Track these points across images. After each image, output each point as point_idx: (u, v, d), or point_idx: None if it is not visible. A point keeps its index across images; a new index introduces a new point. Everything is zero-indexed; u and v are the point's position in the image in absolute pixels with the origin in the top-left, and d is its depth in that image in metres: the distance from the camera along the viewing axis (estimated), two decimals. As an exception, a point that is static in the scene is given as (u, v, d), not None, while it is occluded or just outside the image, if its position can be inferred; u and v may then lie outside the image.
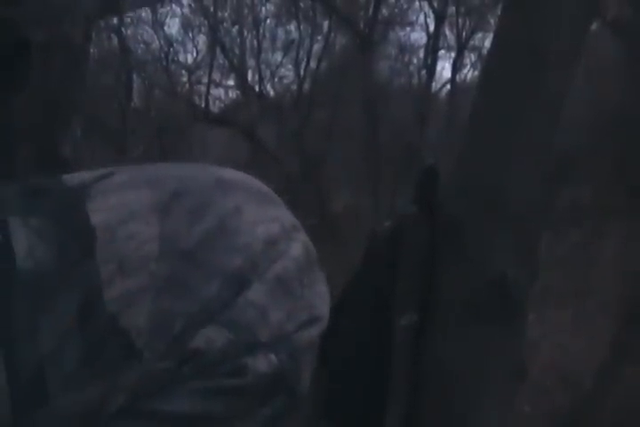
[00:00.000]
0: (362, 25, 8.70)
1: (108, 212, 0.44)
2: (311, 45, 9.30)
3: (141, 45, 9.27)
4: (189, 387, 0.43)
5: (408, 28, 9.35)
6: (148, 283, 0.43)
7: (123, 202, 0.45)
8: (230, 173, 0.51)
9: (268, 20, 9.48)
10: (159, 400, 0.43)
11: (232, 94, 9.98)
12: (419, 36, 9.66)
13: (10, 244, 0.41)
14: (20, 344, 0.40)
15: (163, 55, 9.35)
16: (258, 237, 0.46)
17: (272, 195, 0.52)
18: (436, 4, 8.84)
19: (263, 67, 9.44)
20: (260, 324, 0.45)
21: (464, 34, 8.97)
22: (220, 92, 9.80)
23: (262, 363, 0.45)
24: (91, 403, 0.41)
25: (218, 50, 9.20)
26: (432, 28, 8.89)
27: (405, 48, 9.45)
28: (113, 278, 0.42)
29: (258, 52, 9.38)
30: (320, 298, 0.50)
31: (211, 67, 9.34)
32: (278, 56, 9.58)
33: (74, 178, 0.47)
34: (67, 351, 0.41)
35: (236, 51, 9.36)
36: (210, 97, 9.38)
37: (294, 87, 9.53)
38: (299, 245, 0.50)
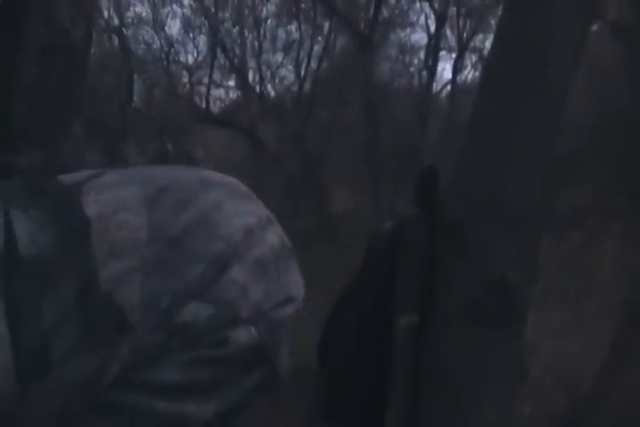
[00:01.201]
0: (362, 26, 8.70)
1: (101, 204, 0.49)
2: (312, 46, 9.31)
3: (142, 46, 9.28)
4: (176, 358, 0.48)
5: (409, 29, 9.36)
6: (139, 265, 0.47)
7: (114, 196, 0.50)
8: (212, 174, 0.57)
9: (269, 21, 9.49)
10: (148, 371, 0.47)
11: (233, 95, 10.00)
12: (419, 37, 9.67)
13: (13, 232, 0.45)
14: (24, 321, 0.44)
15: (163, 55, 9.36)
16: (237, 227, 0.51)
17: (249, 193, 0.56)
18: (436, 5, 8.84)
19: (264, 67, 9.45)
20: (241, 300, 0.50)
21: (465, 35, 8.97)
22: (220, 92, 9.81)
23: (243, 335, 0.50)
24: (88, 373, 0.46)
25: (218, 50, 9.21)
26: (433, 29, 8.90)
27: (406, 49, 9.45)
28: (106, 261, 0.47)
29: (258, 53, 9.38)
30: (294, 283, 0.55)
31: (211, 67, 9.34)
32: (279, 57, 9.59)
33: (68, 177, 0.52)
34: (67, 327, 0.46)
35: (237, 51, 9.37)
36: (210, 97, 9.39)
37: (295, 88, 9.54)
38: (274, 235, 0.54)
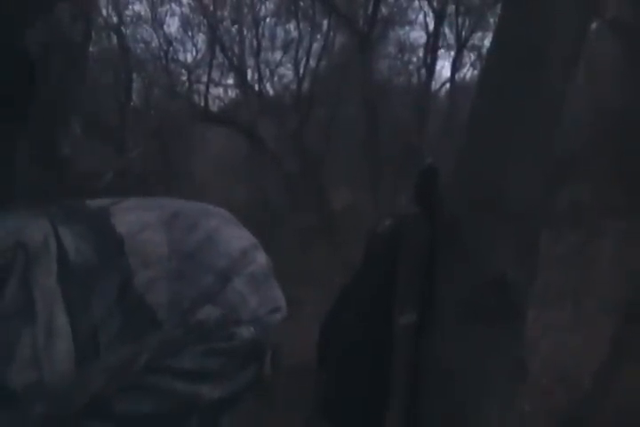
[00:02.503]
0: (361, 24, 8.69)
1: (128, 224, 0.62)
2: (311, 44, 9.30)
3: (141, 44, 9.26)
4: (193, 349, 0.60)
5: (407, 27, 9.35)
6: (163, 274, 0.60)
7: (137, 218, 0.63)
8: (207, 205, 0.71)
9: (268, 19, 9.48)
10: (171, 359, 0.59)
11: (231, 93, 9.98)
12: (418, 35, 9.65)
13: (62, 244, 0.58)
14: (78, 315, 0.56)
15: (162, 54, 9.34)
16: (235, 248, 0.65)
17: (237, 222, 0.70)
18: (435, 3, 8.83)
19: (262, 66, 9.44)
20: (242, 305, 0.63)
21: (463, 33, 8.96)
22: (219, 91, 9.80)
23: (245, 332, 0.62)
24: (126, 359, 0.57)
25: (217, 49, 9.20)
26: (431, 27, 8.89)
27: (405, 47, 9.44)
28: (138, 270, 0.59)
29: (257, 51, 9.37)
30: (279, 296, 0.68)
31: (210, 66, 9.33)
32: (278, 55, 9.58)
33: (93, 202, 0.64)
34: (111, 321, 0.57)
35: (236, 50, 9.35)
36: (209, 96, 9.37)
37: (294, 86, 9.53)
38: (262, 256, 0.68)
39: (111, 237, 0.60)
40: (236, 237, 0.67)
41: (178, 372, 0.59)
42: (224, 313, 0.61)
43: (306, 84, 9.38)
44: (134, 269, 0.59)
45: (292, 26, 9.34)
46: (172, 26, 12.73)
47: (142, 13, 9.29)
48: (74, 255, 0.57)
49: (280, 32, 9.43)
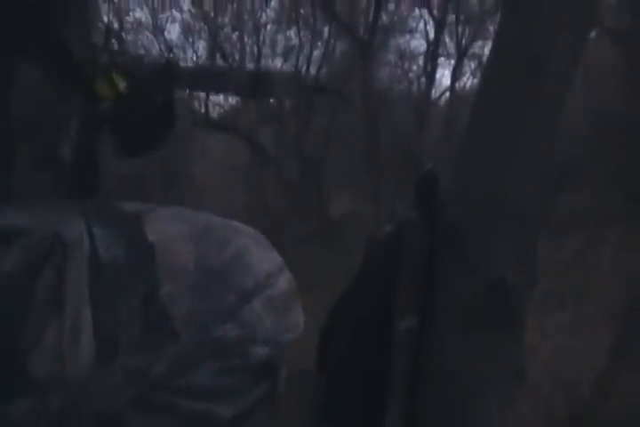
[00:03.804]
0: (362, 31, 8.72)
1: (160, 234, 0.63)
2: (311, 51, 9.32)
3: (141, 50, 9.28)
4: (209, 367, 0.60)
5: (408, 35, 9.38)
6: (188, 288, 0.60)
7: (169, 229, 0.64)
8: (237, 223, 0.72)
9: (269, 26, 9.51)
10: (187, 377, 0.59)
11: (232, 100, 10.00)
12: (418, 44, 9.68)
13: (95, 244, 0.58)
14: (103, 313, 0.56)
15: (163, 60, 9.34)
16: (262, 270, 0.66)
17: (268, 242, 0.71)
18: (435, 12, 8.86)
19: (263, 73, 9.44)
20: (258, 325, 0.63)
21: (464, 41, 8.99)
22: (219, 97, 9.82)
23: (260, 351, 0.63)
24: (142, 365, 0.57)
25: (218, 55, 9.22)
26: (432, 35, 8.92)
27: (405, 55, 9.47)
28: (164, 280, 0.60)
29: (258, 58, 9.39)
30: (296, 318, 0.69)
31: (211, 72, 9.33)
32: (278, 62, 9.60)
33: (127, 206, 0.66)
34: (133, 325, 0.58)
35: (236, 56, 9.38)
36: (209, 102, 9.39)
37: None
38: (285, 281, 0.69)
39: (142, 245, 0.61)
40: (264, 259, 0.67)
41: (193, 390, 0.59)
42: (241, 332, 0.62)
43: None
44: (161, 278, 0.60)
45: (292, 33, 9.38)
46: (173, 32, 12.78)
47: (143, 20, 9.33)
48: (105, 257, 0.58)
49: (281, 39, 9.47)
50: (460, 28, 8.90)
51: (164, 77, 0.78)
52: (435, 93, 9.34)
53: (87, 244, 0.58)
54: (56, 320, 0.54)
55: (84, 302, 0.55)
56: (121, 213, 0.63)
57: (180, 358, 0.58)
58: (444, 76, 12.52)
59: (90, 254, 0.58)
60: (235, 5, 9.20)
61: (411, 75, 9.56)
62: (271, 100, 9.50)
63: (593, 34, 4.63)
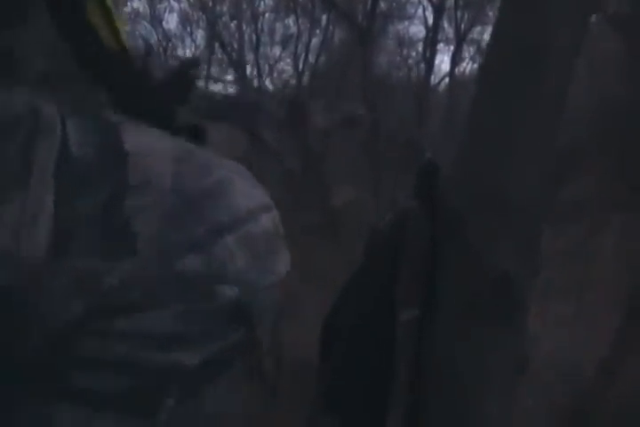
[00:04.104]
0: (360, 18, 8.67)
1: (138, 144, 0.57)
2: (310, 39, 9.29)
3: (139, 41, 9.25)
4: (170, 310, 0.54)
5: (407, 22, 9.34)
6: (158, 207, 0.55)
7: (149, 142, 0.58)
8: (229, 160, 0.66)
9: (267, 15, 9.46)
10: (146, 322, 0.53)
11: (231, 89, 9.98)
12: (417, 30, 9.62)
13: (67, 133, 0.54)
14: (63, 205, 0.53)
15: (161, 50, 9.33)
16: (242, 205, 0.59)
17: (251, 176, 0.65)
18: (434, -2, 8.82)
19: (262, 61, 9.43)
20: (229, 263, 0.56)
21: (463, 27, 8.94)
22: (218, 86, 9.79)
23: (228, 291, 0.56)
24: (94, 273, 0.52)
25: (216, 45, 9.19)
26: (431, 21, 8.88)
27: (404, 41, 9.43)
28: (133, 192, 0.54)
29: (256, 47, 9.35)
30: (278, 262, 0.62)
31: (209, 62, 9.32)
32: (277, 50, 9.57)
33: (107, 113, 0.60)
34: (91, 227, 0.53)
35: (235, 45, 9.34)
36: (208, 92, 9.36)
37: (293, 81, 9.51)
38: (269, 219, 0.62)
39: (116, 150, 0.55)
40: (247, 193, 0.61)
41: (153, 338, 0.53)
42: (207, 268, 0.55)
43: (305, 80, 9.38)
44: (130, 187, 0.54)
45: (291, 21, 9.34)
46: (171, 22, 12.71)
47: (141, 10, 9.29)
48: (75, 148, 0.54)
49: (279, 27, 9.43)
50: (459, 14, 8.86)
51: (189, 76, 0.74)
52: (434, 79, 9.32)
53: (59, 130, 0.53)
54: (20, 197, 0.50)
55: (49, 188, 0.51)
56: (97, 116, 0.57)
57: (136, 277, 0.53)
58: (443, 61, 12.49)
59: (61, 141, 0.53)
60: (232, -6, 9.16)
61: (410, 61, 9.53)
62: (271, 90, 9.46)
63: (594, 19, 4.60)
